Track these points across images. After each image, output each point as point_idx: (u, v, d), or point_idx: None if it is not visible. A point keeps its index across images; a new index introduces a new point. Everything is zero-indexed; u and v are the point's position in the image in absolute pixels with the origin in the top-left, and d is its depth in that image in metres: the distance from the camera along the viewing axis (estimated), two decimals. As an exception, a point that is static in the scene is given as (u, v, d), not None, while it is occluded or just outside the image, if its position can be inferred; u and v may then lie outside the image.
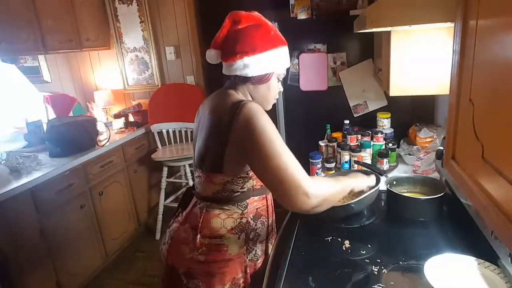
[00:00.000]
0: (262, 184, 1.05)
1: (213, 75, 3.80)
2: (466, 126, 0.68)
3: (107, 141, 2.70)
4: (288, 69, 2.31)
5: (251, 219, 1.15)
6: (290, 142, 2.42)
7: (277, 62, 1.12)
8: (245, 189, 1.11)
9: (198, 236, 1.10)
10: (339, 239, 1.24)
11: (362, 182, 1.25)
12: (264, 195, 1.18)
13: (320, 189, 0.97)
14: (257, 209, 1.16)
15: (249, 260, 1.16)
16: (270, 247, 1.26)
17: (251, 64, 1.06)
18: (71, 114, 3.03)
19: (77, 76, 3.50)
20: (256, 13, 1.12)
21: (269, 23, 1.12)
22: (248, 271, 1.16)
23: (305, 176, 0.95)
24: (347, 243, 1.22)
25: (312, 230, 1.34)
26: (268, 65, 1.09)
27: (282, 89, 1.20)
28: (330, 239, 1.25)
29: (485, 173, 0.59)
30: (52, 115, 2.86)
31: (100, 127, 2.81)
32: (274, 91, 1.16)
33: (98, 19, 3.19)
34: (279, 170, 0.94)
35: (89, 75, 3.52)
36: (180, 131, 3.27)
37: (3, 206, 1.89)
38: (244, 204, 1.12)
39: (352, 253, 1.17)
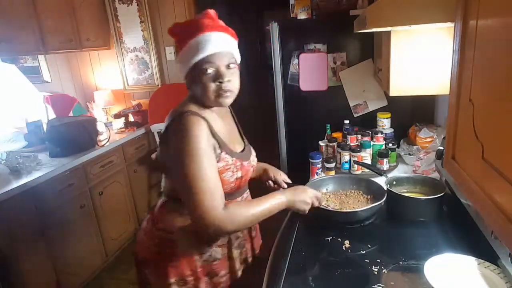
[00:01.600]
0: None
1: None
2: (466, 126, 0.68)
3: (107, 141, 2.70)
4: (288, 70, 2.33)
5: None
6: (290, 142, 2.44)
7: (192, 54, 1.02)
8: None
9: (154, 229, 1.16)
10: (339, 239, 1.24)
11: (296, 196, 1.14)
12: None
13: (229, 218, 0.97)
14: None
15: (203, 260, 1.14)
16: (236, 253, 1.22)
17: (180, 65, 1.09)
18: (71, 114, 3.03)
19: (77, 76, 3.50)
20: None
21: (193, 18, 1.08)
22: (200, 270, 1.14)
23: (216, 207, 0.96)
24: (347, 243, 1.22)
25: (312, 230, 1.34)
26: (186, 61, 1.04)
27: (222, 79, 1.02)
28: (330, 239, 1.25)
29: (485, 173, 0.59)
30: (52, 115, 2.86)
31: (100, 127, 2.80)
32: (203, 86, 1.03)
33: (98, 19, 3.19)
34: (194, 196, 0.95)
35: (89, 75, 3.52)
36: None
37: (3, 206, 1.89)
38: None
39: (352, 253, 1.17)
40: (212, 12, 1.08)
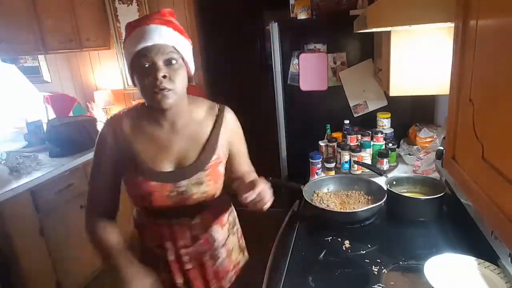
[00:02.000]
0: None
1: (212, 75, 3.80)
2: (466, 126, 0.68)
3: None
4: (288, 70, 2.33)
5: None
6: (290, 142, 2.44)
7: (126, 52, 0.98)
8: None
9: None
10: (339, 239, 1.24)
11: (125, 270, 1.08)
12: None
13: (89, 230, 1.13)
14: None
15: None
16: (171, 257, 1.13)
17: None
18: (71, 114, 3.03)
19: (77, 76, 3.50)
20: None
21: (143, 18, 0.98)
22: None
23: (88, 208, 1.13)
24: (347, 243, 1.22)
25: (312, 230, 1.34)
26: (126, 60, 1.00)
27: (155, 77, 0.92)
28: (330, 239, 1.25)
29: (485, 173, 0.59)
30: (52, 115, 2.86)
31: (100, 127, 2.80)
32: (141, 85, 0.95)
33: (98, 19, 3.18)
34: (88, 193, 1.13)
35: (89, 75, 3.52)
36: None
37: (3, 206, 1.89)
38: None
39: (352, 253, 1.17)
40: (166, 10, 1.00)
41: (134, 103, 3.36)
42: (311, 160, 1.75)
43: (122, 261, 1.06)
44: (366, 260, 1.12)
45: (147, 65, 0.92)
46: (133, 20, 0.99)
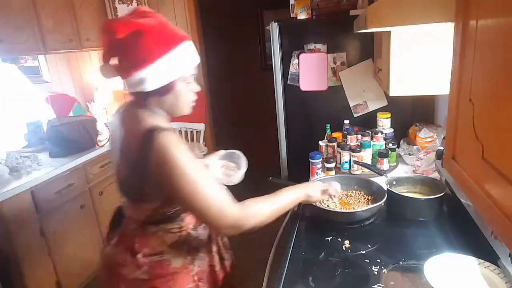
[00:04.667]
0: None
1: (213, 75, 3.80)
2: (466, 126, 0.68)
3: (107, 141, 2.70)
4: (288, 70, 2.33)
5: (191, 229, 1.10)
6: (290, 142, 2.44)
7: (177, 65, 0.97)
8: (178, 207, 1.04)
9: (139, 255, 1.04)
10: (339, 239, 1.24)
11: (311, 188, 1.18)
12: None
13: (247, 214, 0.97)
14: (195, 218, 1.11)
15: (197, 267, 1.11)
16: (214, 247, 1.19)
17: (147, 78, 0.94)
18: (71, 114, 3.03)
19: (77, 76, 3.49)
20: (132, 18, 0.95)
21: (154, 22, 0.95)
22: (203, 277, 1.11)
23: (228, 205, 0.94)
24: (347, 243, 1.22)
25: (312, 230, 1.34)
26: (167, 73, 0.95)
27: (198, 89, 1.05)
28: (330, 239, 1.25)
29: (485, 173, 0.59)
30: (52, 115, 2.86)
31: (100, 127, 2.80)
32: (184, 98, 1.02)
33: (98, 19, 3.18)
34: (201, 203, 0.92)
35: (89, 75, 3.52)
36: (180, 131, 3.26)
37: (3, 206, 1.89)
38: (179, 218, 1.07)
39: (352, 253, 1.17)
40: (148, 8, 1.00)
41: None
42: (311, 160, 1.75)
43: (299, 186, 1.16)
44: (366, 260, 1.12)
45: (192, 81, 1.03)
46: (169, 27, 0.97)
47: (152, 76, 0.94)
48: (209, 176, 0.98)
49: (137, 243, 1.05)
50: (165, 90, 0.97)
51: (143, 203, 1.03)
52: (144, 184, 0.96)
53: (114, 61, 0.98)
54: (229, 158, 1.35)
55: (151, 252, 1.05)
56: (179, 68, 0.97)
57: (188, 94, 1.02)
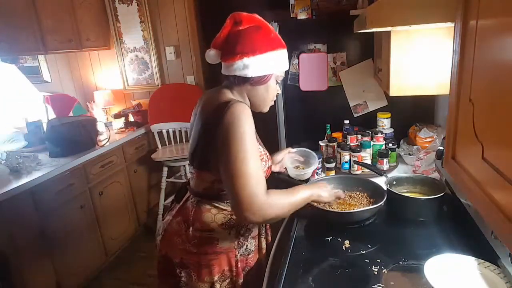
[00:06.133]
0: None
1: (213, 75, 3.80)
2: (466, 126, 0.68)
3: (107, 141, 2.70)
4: (288, 70, 2.33)
5: None
6: (290, 142, 2.44)
7: (276, 64, 1.13)
8: None
9: (191, 229, 1.14)
10: (339, 239, 1.24)
11: (317, 189, 1.23)
12: None
13: (271, 202, 1.00)
14: None
15: (240, 254, 1.18)
16: (264, 243, 1.28)
17: (250, 65, 1.08)
18: (71, 114, 3.03)
19: (77, 76, 3.50)
20: (256, 15, 1.13)
21: (270, 25, 1.14)
22: (239, 265, 1.18)
23: (262, 188, 0.99)
24: (347, 243, 1.22)
25: (312, 230, 1.34)
26: (268, 67, 1.11)
27: (280, 91, 1.22)
28: (330, 239, 1.25)
29: (485, 173, 0.59)
30: (52, 115, 2.86)
31: (100, 127, 2.81)
32: (272, 92, 1.17)
33: (98, 19, 3.19)
34: (243, 178, 0.96)
35: (89, 75, 3.52)
36: (180, 131, 3.27)
37: (3, 206, 1.89)
38: None
39: (352, 253, 1.17)
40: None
41: (134, 103, 3.37)
42: (311, 160, 1.75)
43: (304, 188, 1.19)
44: (366, 260, 1.12)
45: (277, 83, 1.18)
46: (274, 34, 1.13)
47: (256, 64, 1.08)
48: (258, 159, 1.03)
49: (192, 217, 1.15)
50: (262, 80, 1.12)
51: (204, 173, 1.13)
52: (209, 148, 1.06)
53: (221, 46, 1.13)
54: (302, 154, 1.51)
55: (203, 228, 1.13)
56: (277, 66, 1.13)
57: (274, 91, 1.17)
